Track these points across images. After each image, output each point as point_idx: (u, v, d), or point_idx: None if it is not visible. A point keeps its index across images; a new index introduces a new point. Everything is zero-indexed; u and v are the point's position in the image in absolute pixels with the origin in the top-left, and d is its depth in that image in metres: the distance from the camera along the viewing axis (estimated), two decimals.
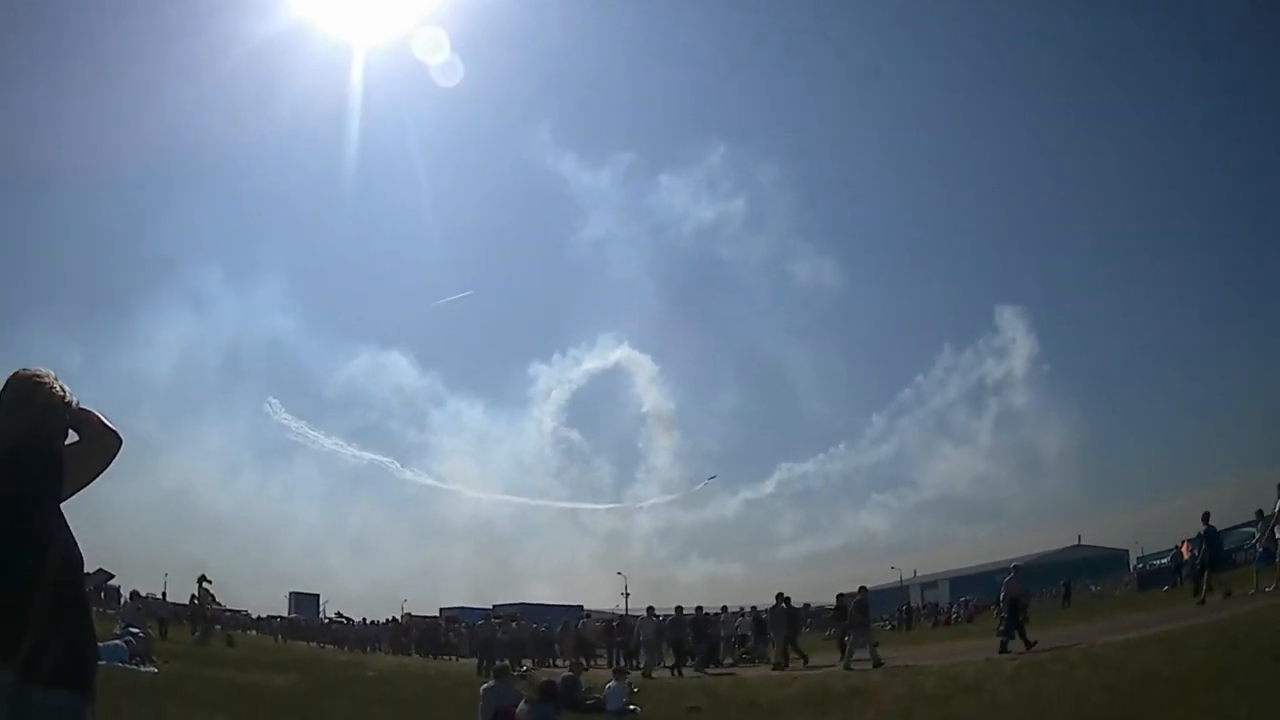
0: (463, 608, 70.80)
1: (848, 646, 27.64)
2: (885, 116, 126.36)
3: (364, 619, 61.50)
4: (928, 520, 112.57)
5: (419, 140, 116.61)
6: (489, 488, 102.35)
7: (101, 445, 4.02)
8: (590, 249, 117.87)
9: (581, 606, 73.17)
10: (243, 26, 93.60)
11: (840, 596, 33.04)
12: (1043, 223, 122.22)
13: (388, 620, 61.87)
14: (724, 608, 42.69)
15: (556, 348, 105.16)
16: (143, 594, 43.33)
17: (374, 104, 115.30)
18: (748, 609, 42.06)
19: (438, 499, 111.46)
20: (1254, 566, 25.96)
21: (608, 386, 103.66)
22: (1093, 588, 55.87)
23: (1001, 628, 25.52)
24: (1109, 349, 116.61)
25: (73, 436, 4.00)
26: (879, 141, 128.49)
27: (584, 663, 27.11)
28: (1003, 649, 23.62)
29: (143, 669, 22.71)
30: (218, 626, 41.71)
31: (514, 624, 46.77)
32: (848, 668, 25.46)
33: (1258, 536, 26.17)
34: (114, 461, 4.06)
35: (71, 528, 3.84)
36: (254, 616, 66.33)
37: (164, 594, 50.81)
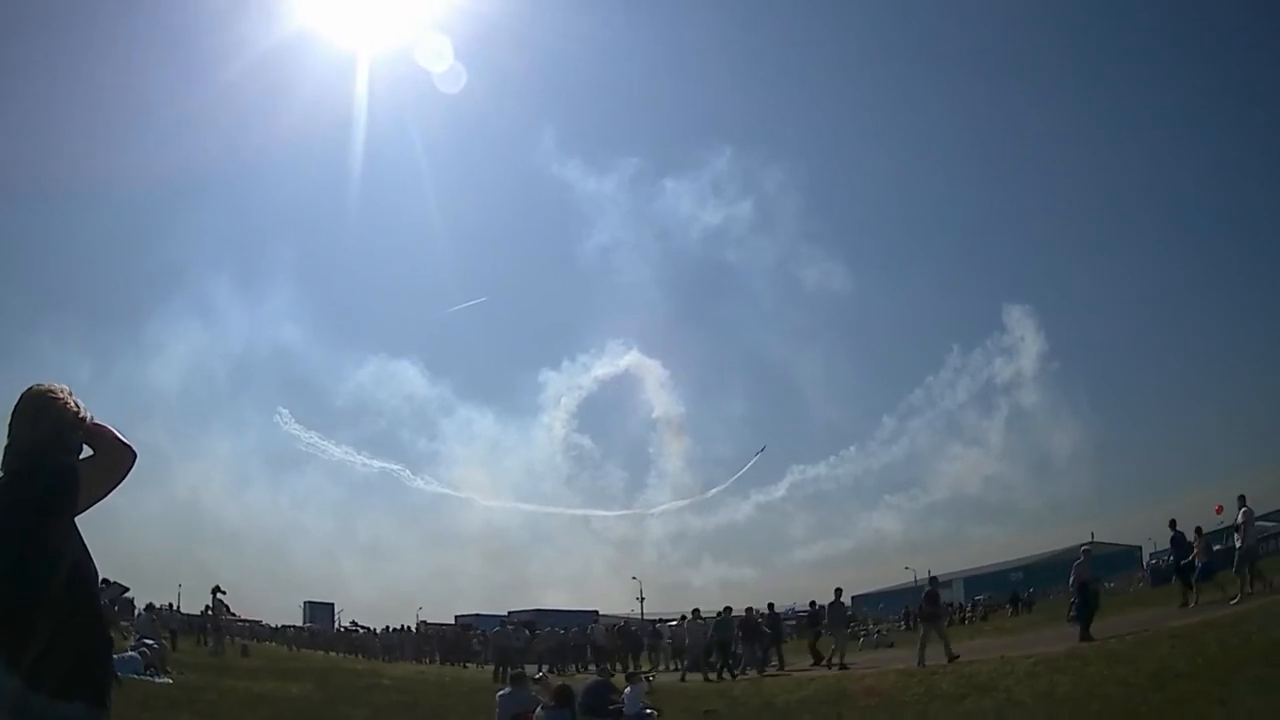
0: (478, 614, 70.91)
1: (836, 648, 28.31)
2: (891, 117, 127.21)
3: (386, 627, 61.38)
4: (940, 521, 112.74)
5: (425, 148, 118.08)
6: (501, 495, 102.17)
7: (116, 460, 4.02)
8: (598, 255, 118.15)
9: (596, 612, 73.08)
10: (247, 36, 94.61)
11: (812, 604, 33.21)
12: (1050, 221, 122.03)
13: (401, 628, 61.75)
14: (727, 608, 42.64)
15: (566, 354, 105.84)
16: (157, 606, 43.59)
17: (379, 111, 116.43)
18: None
19: (450, 507, 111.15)
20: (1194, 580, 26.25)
21: (618, 392, 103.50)
22: (1106, 585, 55.71)
23: (1073, 613, 24.77)
24: (1118, 346, 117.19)
25: (87, 451, 4.00)
26: (885, 142, 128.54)
27: (610, 667, 27.11)
28: (1084, 636, 22.63)
29: (158, 680, 22.80)
30: (231, 638, 41.62)
31: (528, 631, 46.90)
32: (841, 665, 26.30)
33: (1195, 551, 26.42)
34: (127, 476, 4.06)
35: (85, 541, 3.85)
36: (271, 626, 66.40)
37: (174, 606, 51.05)
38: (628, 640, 41.87)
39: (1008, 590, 70.14)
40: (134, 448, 4.08)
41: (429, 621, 66.07)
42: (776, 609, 36.61)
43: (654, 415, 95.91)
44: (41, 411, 3.89)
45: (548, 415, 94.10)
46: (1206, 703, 12.34)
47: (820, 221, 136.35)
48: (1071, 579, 25.57)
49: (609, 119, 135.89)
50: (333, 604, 78.87)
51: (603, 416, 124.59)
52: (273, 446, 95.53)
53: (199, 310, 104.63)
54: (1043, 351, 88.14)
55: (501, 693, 17.18)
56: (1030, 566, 77.19)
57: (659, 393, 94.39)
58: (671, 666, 37.67)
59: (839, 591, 32.20)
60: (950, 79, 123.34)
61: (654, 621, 52.25)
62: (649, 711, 19.24)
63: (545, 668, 37.19)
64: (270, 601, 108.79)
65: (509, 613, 67.44)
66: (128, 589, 51.68)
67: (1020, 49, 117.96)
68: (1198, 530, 27.09)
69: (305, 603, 78.84)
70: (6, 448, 3.88)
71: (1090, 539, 77.65)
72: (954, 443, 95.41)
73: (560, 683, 18.45)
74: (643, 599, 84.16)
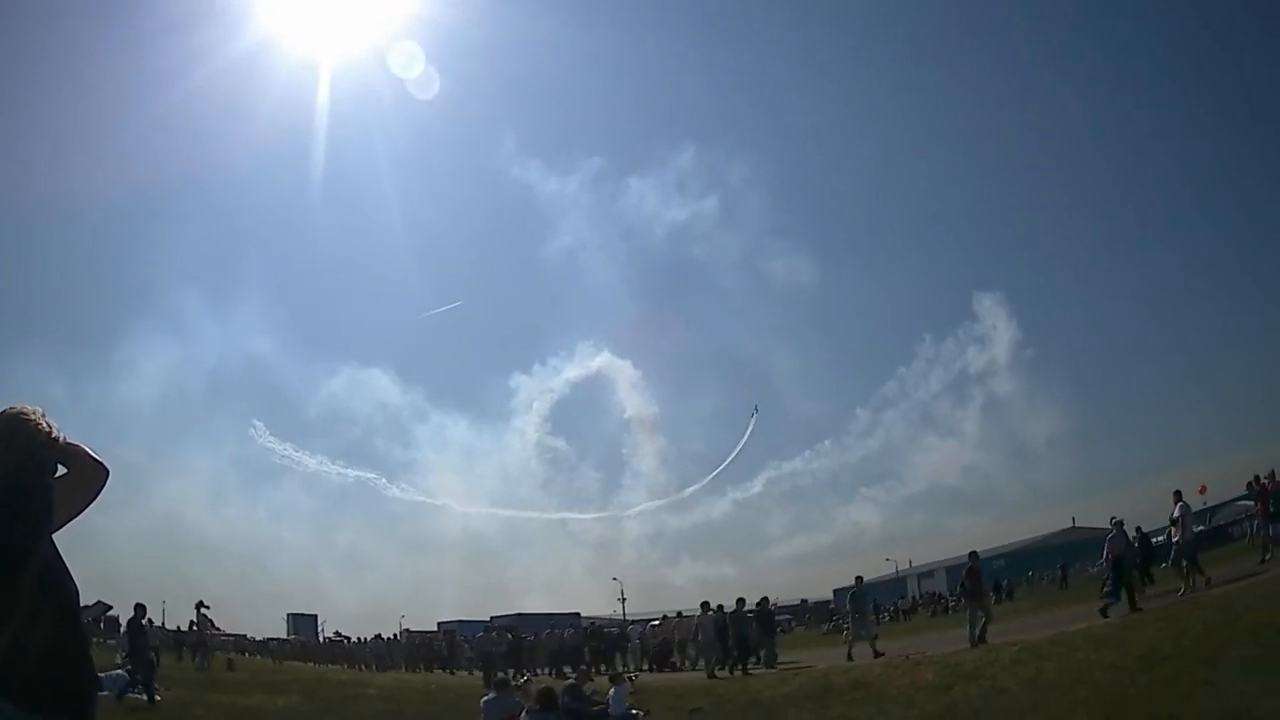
0: (461, 621, 70.74)
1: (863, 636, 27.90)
2: (855, 106, 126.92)
3: (377, 635, 61.08)
4: (919, 512, 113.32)
5: (387, 156, 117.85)
6: (477, 501, 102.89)
7: (89, 478, 4.05)
8: (564, 257, 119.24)
9: (578, 614, 73.28)
10: (209, 46, 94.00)
11: (836, 592, 33.26)
12: (1017, 207, 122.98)
13: (394, 636, 61.62)
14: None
15: (536, 358, 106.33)
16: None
17: (341, 120, 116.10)
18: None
19: (428, 514, 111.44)
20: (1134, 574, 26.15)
21: (589, 394, 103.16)
22: (1090, 569, 56.02)
23: (1107, 588, 24.77)
24: (1092, 331, 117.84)
25: (61, 471, 4.01)
26: (850, 133, 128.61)
27: (588, 669, 27.01)
28: (1104, 613, 22.76)
29: (143, 697, 22.68)
30: (213, 652, 41.36)
31: (510, 635, 46.82)
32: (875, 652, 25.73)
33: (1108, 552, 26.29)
34: (101, 493, 4.08)
35: (65, 559, 3.86)
36: (255, 640, 66.21)
37: (152, 621, 50.54)
38: (601, 641, 41.87)
39: (990, 579, 70.44)
40: (106, 465, 4.10)
41: (412, 629, 66.04)
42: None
43: (627, 416, 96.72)
44: (15, 434, 3.90)
45: (520, 420, 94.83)
46: (1194, 684, 12.39)
47: (787, 214, 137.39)
48: (1105, 554, 25.49)
49: (570, 120, 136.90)
50: (316, 615, 78.73)
51: (576, 419, 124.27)
52: (249, 459, 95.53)
53: (169, 326, 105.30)
54: (1016, 339, 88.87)
55: (486, 698, 17.14)
56: (1012, 554, 77.50)
57: (631, 393, 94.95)
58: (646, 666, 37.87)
59: (859, 580, 32.37)
60: (916, 66, 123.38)
61: (622, 623, 52.23)
62: (634, 712, 19.25)
63: (528, 672, 37.16)
64: (253, 615, 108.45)
65: (491, 618, 67.47)
66: (110, 607, 51.54)
67: (988, 35, 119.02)
68: (1138, 530, 28.62)
69: (288, 615, 78.79)
70: None
71: (1072, 524, 78.76)
72: (930, 433, 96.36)
73: (543, 686, 18.42)
74: (624, 599, 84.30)
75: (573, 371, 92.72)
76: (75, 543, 3.89)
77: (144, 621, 23.50)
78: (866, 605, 31.18)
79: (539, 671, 37.34)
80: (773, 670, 27.91)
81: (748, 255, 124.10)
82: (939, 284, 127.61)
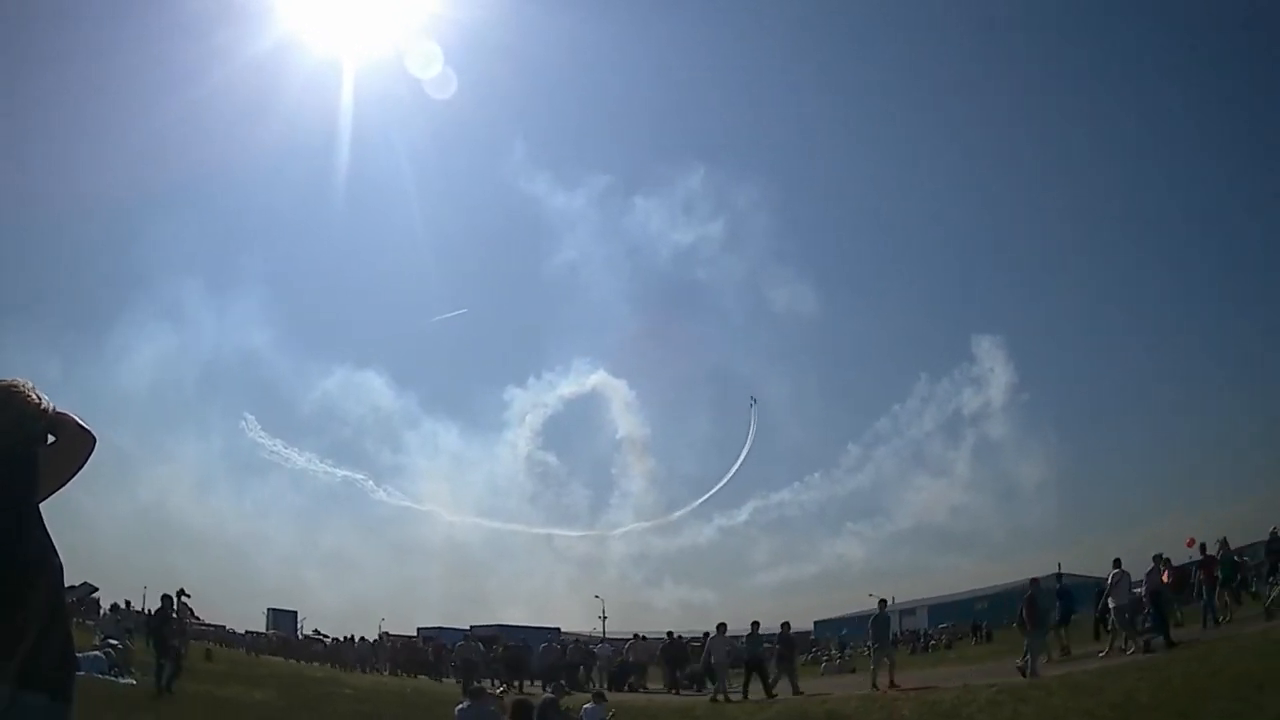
0: (440, 628, 70.65)
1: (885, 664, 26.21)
2: (865, 142, 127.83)
3: (351, 636, 60.72)
4: (905, 549, 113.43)
5: (402, 157, 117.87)
6: (464, 510, 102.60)
7: (77, 445, 4.11)
8: (566, 272, 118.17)
9: (559, 629, 73.01)
10: (233, 42, 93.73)
11: (817, 623, 32.44)
12: (1021, 252, 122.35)
13: (379, 637, 61.37)
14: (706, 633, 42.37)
15: (532, 371, 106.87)
16: (122, 607, 43.29)
17: (359, 118, 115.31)
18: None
19: (413, 520, 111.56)
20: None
21: (583, 412, 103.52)
22: (1073, 615, 55.89)
23: (1146, 625, 24.23)
24: (1087, 377, 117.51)
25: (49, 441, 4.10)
26: (859, 167, 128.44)
27: (564, 686, 26.88)
28: (1146, 648, 22.59)
29: (121, 680, 22.69)
30: (190, 641, 41.25)
31: (495, 646, 46.71)
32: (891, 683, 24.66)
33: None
34: (88, 461, 4.15)
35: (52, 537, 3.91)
36: (235, 632, 66.08)
37: (142, 608, 50.46)
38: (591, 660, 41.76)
39: (971, 619, 70.33)
40: (93, 432, 4.17)
41: (391, 633, 65.80)
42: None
43: (619, 436, 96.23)
44: (4, 405, 3.98)
45: (512, 432, 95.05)
46: None
47: (792, 242, 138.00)
48: (1144, 588, 25.17)
49: (581, 133, 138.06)
50: (296, 611, 78.53)
51: (568, 435, 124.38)
52: (238, 452, 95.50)
53: (170, 314, 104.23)
54: (1012, 383, 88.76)
55: (460, 706, 17.00)
56: (995, 596, 77.33)
57: (625, 413, 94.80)
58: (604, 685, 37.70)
59: (883, 603, 30.71)
60: (928, 104, 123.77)
61: (589, 641, 52.10)
62: None
63: (528, 684, 36.99)
64: (233, 607, 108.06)
65: (471, 627, 67.34)
66: (96, 589, 51.49)
67: (993, 78, 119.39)
68: (1058, 578, 31.11)
69: (269, 609, 78.34)
70: None
71: (1058, 569, 78.41)
72: (920, 472, 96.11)
73: (517, 698, 18.33)
74: (605, 617, 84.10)
75: (568, 388, 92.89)
76: (61, 523, 3.93)
77: (172, 613, 23.50)
78: (889, 631, 29.69)
79: (532, 684, 37.17)
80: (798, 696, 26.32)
81: (750, 280, 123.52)
82: (938, 323, 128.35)
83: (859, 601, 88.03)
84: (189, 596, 38.60)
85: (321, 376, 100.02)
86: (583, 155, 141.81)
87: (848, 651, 54.30)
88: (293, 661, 53.85)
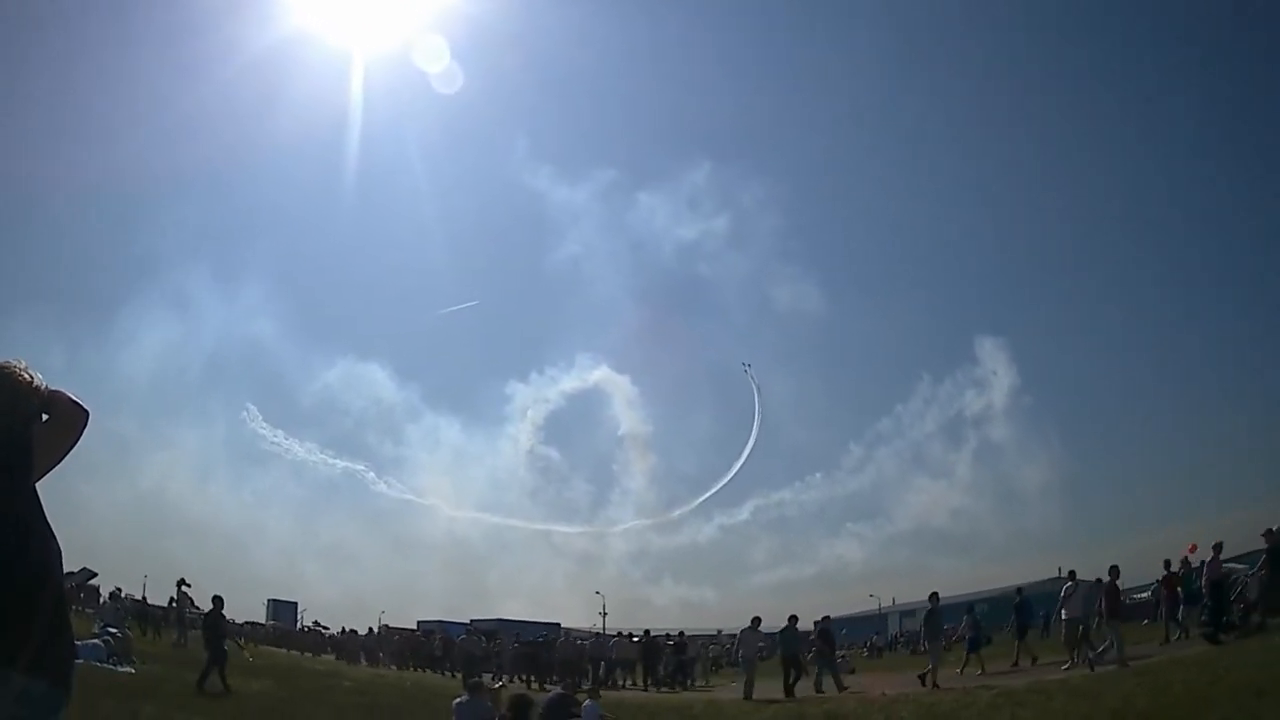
0: (440, 621, 70.48)
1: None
2: (871, 142, 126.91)
3: (369, 629, 60.76)
4: (905, 551, 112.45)
5: (409, 150, 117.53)
6: (464, 504, 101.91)
7: (71, 422, 4.15)
8: (569, 266, 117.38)
9: (559, 624, 73.18)
10: (243, 34, 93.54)
11: (816, 622, 31.78)
12: (1026, 254, 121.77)
13: (382, 629, 61.42)
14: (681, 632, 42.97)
15: (534, 366, 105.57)
16: (122, 594, 43.32)
17: (371, 112, 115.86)
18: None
19: (414, 513, 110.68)
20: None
21: (585, 407, 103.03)
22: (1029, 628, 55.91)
23: (1205, 617, 23.43)
24: (1091, 381, 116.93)
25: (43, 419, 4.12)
26: (867, 164, 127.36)
27: (575, 681, 26.83)
28: (1213, 638, 21.88)
29: (120, 669, 22.70)
30: (193, 630, 41.30)
31: (496, 640, 46.75)
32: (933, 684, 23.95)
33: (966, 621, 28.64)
34: (82, 436, 4.18)
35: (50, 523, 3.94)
36: (235, 623, 66.05)
37: (143, 597, 50.56)
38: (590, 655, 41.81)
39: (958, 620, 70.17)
40: (86, 407, 4.21)
41: (391, 626, 65.81)
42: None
43: (621, 432, 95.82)
44: None
45: (514, 427, 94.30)
46: None
47: (797, 240, 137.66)
48: (1203, 579, 24.30)
49: (586, 127, 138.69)
50: (296, 603, 78.75)
51: (569, 431, 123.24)
52: (239, 441, 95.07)
53: (176, 302, 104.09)
54: (1015, 385, 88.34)
55: (458, 700, 16.96)
56: (995, 599, 77.26)
57: (627, 410, 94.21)
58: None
59: (935, 597, 29.10)
60: (936, 105, 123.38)
61: (580, 639, 52.10)
62: None
63: (505, 678, 36.95)
64: (232, 597, 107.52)
65: (471, 621, 67.28)
66: (95, 574, 51.43)
67: (999, 78, 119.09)
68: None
69: (269, 600, 78.49)
70: None
71: (1058, 573, 78.25)
72: (921, 473, 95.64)
73: (516, 694, 18.23)
74: (605, 613, 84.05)
75: (570, 383, 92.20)
76: (61, 509, 3.93)
77: (223, 614, 24.10)
78: (941, 627, 28.93)
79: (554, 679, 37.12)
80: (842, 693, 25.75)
81: (755, 278, 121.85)
82: (942, 324, 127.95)
83: (859, 602, 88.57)
84: (189, 586, 38.84)
85: (324, 368, 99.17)
86: (588, 150, 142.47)
87: (847, 652, 54.07)
88: (292, 653, 53.89)
